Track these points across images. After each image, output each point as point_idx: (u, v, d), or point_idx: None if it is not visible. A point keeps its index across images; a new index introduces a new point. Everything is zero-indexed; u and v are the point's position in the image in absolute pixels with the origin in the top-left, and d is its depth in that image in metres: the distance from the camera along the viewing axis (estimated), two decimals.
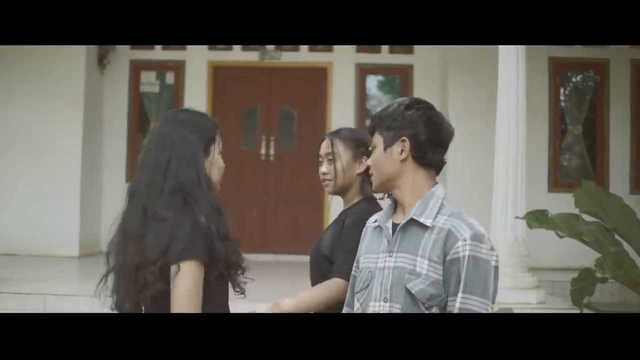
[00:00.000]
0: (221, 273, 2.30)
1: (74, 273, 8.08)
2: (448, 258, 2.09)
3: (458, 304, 2.07)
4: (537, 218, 5.66)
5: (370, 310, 2.18)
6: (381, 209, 2.67)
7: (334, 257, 2.84)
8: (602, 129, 9.22)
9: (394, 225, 2.24)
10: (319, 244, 2.99)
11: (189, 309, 2.20)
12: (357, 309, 2.26)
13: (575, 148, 9.42)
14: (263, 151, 9.61)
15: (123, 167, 9.58)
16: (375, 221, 2.34)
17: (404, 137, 2.20)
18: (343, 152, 2.95)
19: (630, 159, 9.15)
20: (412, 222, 2.17)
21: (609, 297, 6.97)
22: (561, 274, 7.11)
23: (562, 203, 6.54)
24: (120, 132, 9.64)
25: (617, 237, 5.85)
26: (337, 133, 3.02)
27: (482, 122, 8.09)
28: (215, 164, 2.46)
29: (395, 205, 2.30)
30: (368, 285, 2.22)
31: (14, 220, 8.81)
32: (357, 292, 2.28)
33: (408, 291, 2.11)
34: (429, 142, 2.19)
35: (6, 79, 8.99)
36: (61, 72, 8.91)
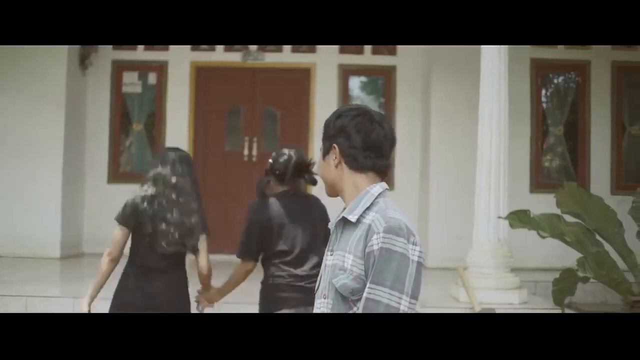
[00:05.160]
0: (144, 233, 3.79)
1: (56, 275, 8.01)
2: (366, 252, 2.15)
3: (365, 294, 2.12)
4: (519, 218, 5.70)
5: (317, 306, 2.28)
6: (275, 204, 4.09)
7: None
8: (584, 130, 9.28)
9: None
10: None
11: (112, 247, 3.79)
12: (315, 306, 2.33)
13: (557, 149, 9.48)
14: (246, 152, 9.59)
15: (105, 168, 9.51)
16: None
17: (334, 145, 2.29)
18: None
19: (611, 159, 9.22)
20: (345, 220, 2.25)
21: (591, 297, 7.01)
22: (544, 274, 7.15)
23: (544, 204, 6.58)
24: (102, 132, 9.58)
25: (598, 237, 5.90)
26: None
27: (465, 122, 8.12)
28: None
29: None
30: (320, 284, 2.32)
31: None
32: (315, 292, 2.37)
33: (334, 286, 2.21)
34: (357, 147, 2.26)
35: None
36: (42, 72, 8.82)
